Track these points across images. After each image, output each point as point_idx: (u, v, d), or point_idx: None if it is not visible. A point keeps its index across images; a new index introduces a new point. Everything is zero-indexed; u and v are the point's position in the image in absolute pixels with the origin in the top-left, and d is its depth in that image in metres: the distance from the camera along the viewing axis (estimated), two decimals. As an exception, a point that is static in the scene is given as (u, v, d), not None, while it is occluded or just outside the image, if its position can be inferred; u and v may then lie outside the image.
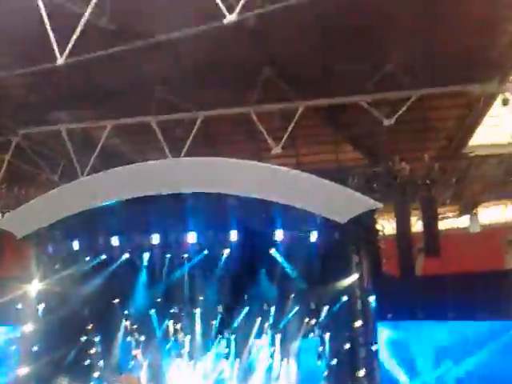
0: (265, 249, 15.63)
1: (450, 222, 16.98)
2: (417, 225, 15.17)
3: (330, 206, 13.47)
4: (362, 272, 14.26)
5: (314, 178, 13.15)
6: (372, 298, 14.30)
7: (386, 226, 15.15)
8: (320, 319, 16.17)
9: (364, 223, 13.77)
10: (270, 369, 16.91)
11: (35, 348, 16.01)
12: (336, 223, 13.50)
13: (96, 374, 17.17)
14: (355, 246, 14.24)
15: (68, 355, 16.57)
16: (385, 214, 15.28)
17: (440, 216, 14.77)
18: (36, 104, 13.75)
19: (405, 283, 13.65)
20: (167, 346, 17.69)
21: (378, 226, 14.95)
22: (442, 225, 14.92)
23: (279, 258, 15.64)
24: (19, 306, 16.24)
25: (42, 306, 16.19)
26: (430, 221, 13.68)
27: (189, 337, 17.60)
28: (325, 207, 13.46)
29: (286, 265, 15.62)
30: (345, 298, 15.05)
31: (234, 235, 15.41)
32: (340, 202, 13.39)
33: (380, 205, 13.16)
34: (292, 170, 13.64)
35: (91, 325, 17.17)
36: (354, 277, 14.43)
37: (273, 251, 15.68)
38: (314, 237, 14.63)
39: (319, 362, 16.28)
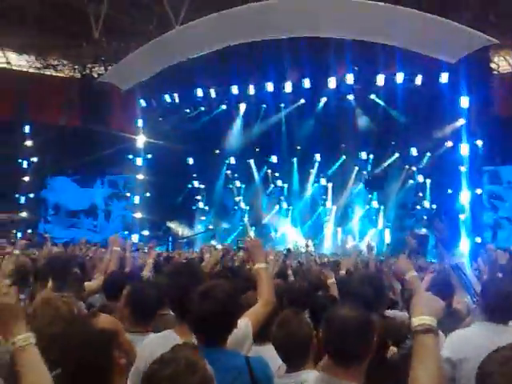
0: (365, 94, 15.20)
1: None
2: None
3: (438, 43, 12.36)
4: (471, 115, 13.42)
5: (418, 13, 11.94)
6: (480, 143, 13.70)
7: (502, 63, 13.71)
8: (421, 165, 15.87)
9: (476, 62, 12.64)
10: (366, 214, 17.20)
11: (148, 194, 17.40)
12: (444, 63, 12.50)
13: (202, 218, 18.44)
14: (465, 88, 13.28)
15: (176, 201, 17.83)
16: (501, 49, 13.74)
17: None
18: None
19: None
20: (266, 193, 18.37)
21: (493, 65, 13.66)
22: None
23: (381, 102, 15.18)
24: (130, 157, 17.34)
25: (150, 156, 17.21)
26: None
27: (287, 184, 18.16)
28: (432, 45, 12.41)
29: (387, 110, 15.14)
30: (449, 144, 14.62)
31: (332, 83, 15.00)
32: (449, 39, 12.21)
33: (496, 41, 11.89)
34: (392, 5, 12.42)
35: (195, 174, 18.09)
36: (461, 121, 13.73)
37: (373, 96, 15.24)
38: (419, 79, 13.86)
39: (418, 207, 16.32)
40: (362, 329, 2.04)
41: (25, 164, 18.75)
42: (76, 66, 18.59)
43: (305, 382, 2.27)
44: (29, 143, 18.54)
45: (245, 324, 2.69)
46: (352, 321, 2.06)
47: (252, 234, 17.42)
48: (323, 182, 17.96)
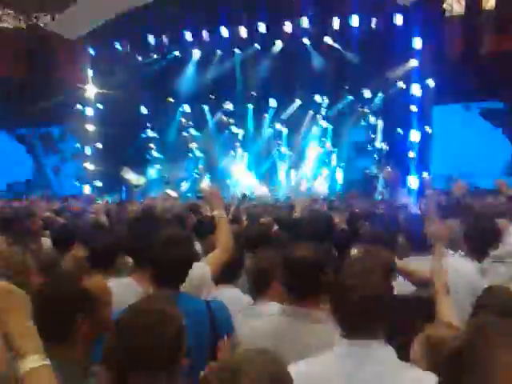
0: (321, 38, 15.00)
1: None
2: (489, 1, 13.49)
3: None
4: (423, 57, 13.50)
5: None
6: (431, 82, 13.84)
7: (455, 5, 13.68)
8: (373, 106, 15.96)
9: (429, 3, 12.60)
10: (320, 156, 17.30)
11: (99, 145, 16.90)
12: (398, 5, 12.46)
13: (157, 166, 18.15)
14: (418, 30, 13.29)
15: (129, 150, 17.39)
16: None
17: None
18: None
19: (467, 64, 12.78)
20: (221, 139, 18.16)
21: (446, 6, 13.60)
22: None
23: (336, 45, 15.02)
24: (79, 107, 16.68)
25: (101, 106, 16.63)
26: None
27: (242, 130, 17.97)
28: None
29: (342, 53, 15.00)
30: (401, 84, 14.72)
31: (287, 26, 14.72)
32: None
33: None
34: None
35: (149, 123, 17.67)
36: (414, 62, 13.81)
37: (329, 39, 15.04)
38: (374, 22, 13.74)
39: (369, 147, 16.54)
40: (314, 267, 2.22)
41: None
42: (21, 16, 17.49)
43: (270, 313, 2.38)
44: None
45: (203, 270, 2.76)
46: (306, 260, 2.24)
47: (207, 180, 17.35)
48: (278, 126, 17.84)
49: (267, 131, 17.96)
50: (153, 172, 18.44)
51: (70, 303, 1.81)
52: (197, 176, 18.05)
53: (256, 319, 2.39)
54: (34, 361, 1.37)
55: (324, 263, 2.25)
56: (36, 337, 1.41)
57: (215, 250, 2.94)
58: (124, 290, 2.59)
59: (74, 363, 1.74)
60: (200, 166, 18.37)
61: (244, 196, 14.35)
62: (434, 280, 2.41)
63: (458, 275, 2.89)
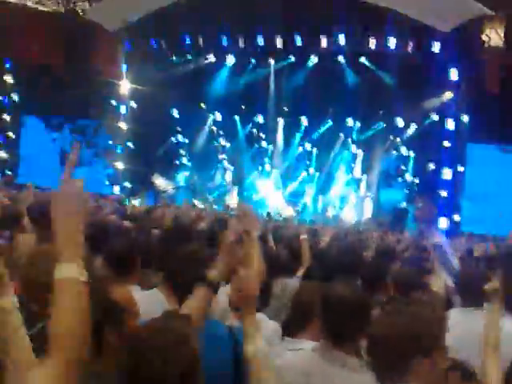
0: (356, 57, 14.90)
1: None
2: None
3: (432, 10, 12.16)
4: (459, 89, 13.30)
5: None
6: (466, 118, 13.63)
7: (493, 36, 13.39)
8: (406, 137, 15.75)
9: (468, 33, 12.43)
10: (348, 183, 17.06)
11: (130, 144, 16.98)
12: (437, 32, 12.32)
13: (185, 173, 18.13)
14: (455, 60, 13.09)
15: (158, 153, 17.43)
16: (493, 22, 13.36)
17: None
18: None
19: (505, 101, 12.52)
20: (250, 153, 18.07)
21: (484, 37, 13.35)
22: None
23: (371, 66, 14.89)
24: (113, 103, 16.73)
25: (133, 104, 16.65)
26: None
27: (271, 146, 17.88)
28: (425, 12, 12.18)
29: (377, 74, 14.86)
30: (435, 117, 14.53)
31: (324, 41, 14.67)
32: (443, 7, 12.04)
33: (490, 11, 11.71)
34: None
35: (180, 127, 17.68)
36: (449, 94, 13.62)
37: (364, 59, 14.93)
38: (410, 46, 13.56)
39: (400, 179, 16.29)
40: (358, 311, 2.05)
41: (4, 101, 18.15)
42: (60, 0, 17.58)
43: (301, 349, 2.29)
44: (8, 79, 17.76)
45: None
46: (350, 304, 2.07)
47: (235, 193, 17.25)
48: (308, 146, 17.67)
49: (297, 150, 17.85)
50: (181, 178, 18.46)
51: (98, 314, 1.71)
52: (225, 188, 17.93)
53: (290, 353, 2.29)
54: (72, 270, 1.30)
55: (366, 309, 2.09)
56: (80, 247, 1.36)
57: None
58: (149, 301, 2.57)
59: (104, 377, 1.69)
60: (228, 178, 18.29)
61: (268, 215, 14.14)
62: (485, 334, 2.25)
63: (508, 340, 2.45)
